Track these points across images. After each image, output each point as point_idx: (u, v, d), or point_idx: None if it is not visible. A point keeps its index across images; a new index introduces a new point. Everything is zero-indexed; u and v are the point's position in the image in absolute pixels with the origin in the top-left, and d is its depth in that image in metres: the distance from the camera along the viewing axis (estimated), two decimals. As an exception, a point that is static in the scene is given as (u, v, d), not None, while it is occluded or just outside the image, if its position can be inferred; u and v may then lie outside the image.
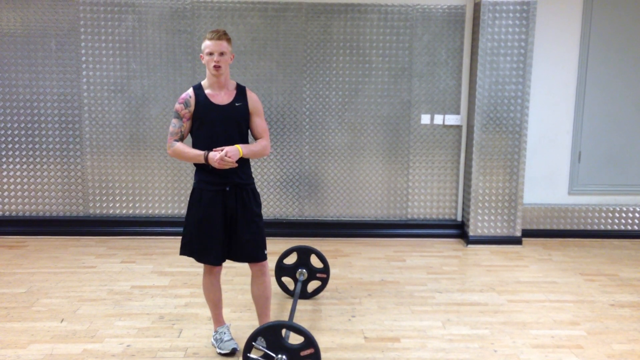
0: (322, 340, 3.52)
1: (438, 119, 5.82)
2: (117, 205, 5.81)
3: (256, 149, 3.30)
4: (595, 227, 6.00)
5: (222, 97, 3.25)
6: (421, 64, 5.74)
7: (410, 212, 5.95)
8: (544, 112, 5.86)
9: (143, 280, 4.57)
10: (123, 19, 5.56)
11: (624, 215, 5.99)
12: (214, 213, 3.23)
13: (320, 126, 5.79)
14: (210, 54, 3.14)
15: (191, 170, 5.76)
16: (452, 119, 5.82)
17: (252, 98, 3.34)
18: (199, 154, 3.17)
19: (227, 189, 3.24)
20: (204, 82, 3.29)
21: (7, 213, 5.78)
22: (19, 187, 5.74)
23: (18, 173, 5.72)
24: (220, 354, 3.36)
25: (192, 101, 3.22)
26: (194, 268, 4.85)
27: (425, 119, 5.82)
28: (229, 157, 3.11)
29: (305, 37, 5.66)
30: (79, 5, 5.51)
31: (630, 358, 3.41)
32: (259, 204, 3.37)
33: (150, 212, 5.85)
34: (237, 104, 3.26)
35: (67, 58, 5.59)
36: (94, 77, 5.62)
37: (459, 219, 5.99)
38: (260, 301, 3.44)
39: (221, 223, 3.25)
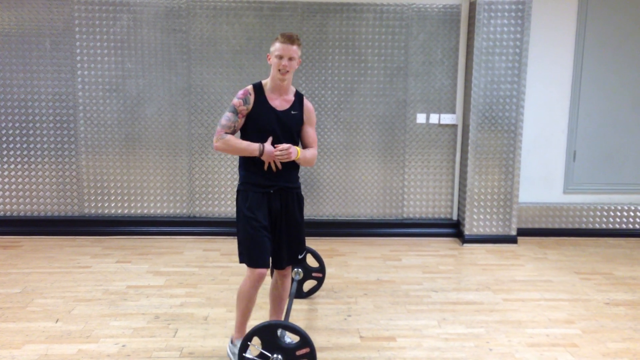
0: (317, 340, 3.52)
1: (434, 118, 5.83)
2: (113, 205, 5.80)
3: (309, 157, 3.25)
4: (590, 226, 6.02)
5: (280, 102, 3.18)
6: (417, 63, 5.74)
7: (406, 212, 5.96)
8: (539, 111, 5.87)
9: (138, 280, 4.56)
10: (118, 18, 5.54)
11: (618, 214, 6.00)
12: (260, 214, 3.15)
13: (316, 125, 5.78)
14: (280, 57, 3.06)
15: (187, 170, 5.76)
16: (447, 118, 5.82)
17: (308, 107, 3.29)
18: (253, 146, 3.09)
19: (271, 191, 3.18)
20: (264, 82, 3.20)
21: (1, 213, 5.75)
22: (13, 187, 5.72)
23: (12, 173, 5.70)
24: None
25: (252, 99, 3.13)
26: (190, 268, 4.85)
27: (420, 118, 5.82)
28: (287, 154, 3.07)
29: (300, 36, 5.65)
30: (74, 4, 5.49)
31: (625, 356, 3.42)
32: (302, 209, 3.33)
33: (145, 211, 5.84)
34: (293, 112, 3.20)
35: (62, 57, 5.57)
36: (88, 76, 5.61)
37: (455, 218, 5.99)
38: (277, 301, 3.43)
39: (267, 224, 3.17)
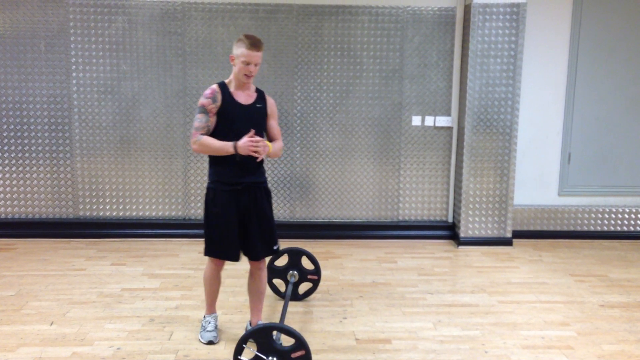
0: (313, 342, 3.52)
1: (429, 121, 5.84)
2: (108, 207, 5.79)
3: (277, 149, 3.41)
4: (585, 228, 6.03)
5: (245, 97, 3.34)
6: (412, 66, 5.75)
7: (401, 214, 5.96)
8: (534, 113, 5.89)
9: (133, 282, 4.55)
10: (113, 20, 5.53)
11: (613, 216, 6.02)
12: (229, 211, 3.33)
13: (311, 127, 5.79)
14: (247, 63, 3.21)
15: (182, 172, 5.75)
16: (442, 121, 5.83)
17: (270, 102, 3.47)
18: (227, 144, 3.20)
19: (239, 188, 3.32)
20: (227, 82, 3.35)
21: (-4, 215, 5.74)
22: (7, 189, 5.70)
23: (7, 175, 5.68)
24: (200, 341, 3.54)
25: (219, 97, 3.27)
26: (185, 270, 4.84)
27: (416, 120, 5.83)
28: (260, 147, 3.17)
29: (296, 38, 5.66)
30: (69, 6, 5.49)
31: (620, 358, 3.43)
32: (270, 202, 3.50)
33: (140, 214, 5.82)
34: (258, 105, 3.37)
35: (57, 59, 5.56)
36: (83, 78, 5.59)
37: (450, 220, 6.00)
38: (256, 296, 3.58)
39: (236, 220, 3.35)
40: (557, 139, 5.95)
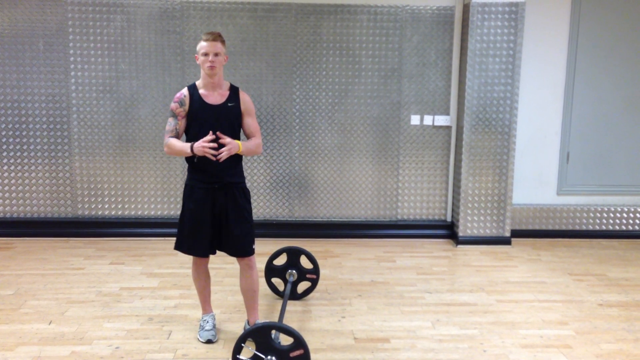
0: (311, 341, 3.52)
1: (428, 120, 5.84)
2: (106, 206, 5.78)
3: (251, 146, 3.42)
4: (584, 228, 6.04)
5: (215, 97, 3.36)
6: (411, 65, 5.75)
7: (400, 213, 5.96)
8: (532, 112, 5.89)
9: (132, 281, 4.55)
10: (112, 19, 5.53)
11: (612, 215, 6.03)
12: (204, 208, 3.37)
13: (310, 127, 5.79)
14: (205, 54, 3.26)
15: (181, 172, 5.75)
16: (441, 120, 5.84)
17: (245, 99, 3.46)
18: (185, 145, 3.27)
19: (216, 186, 3.36)
20: (198, 83, 3.40)
21: (-6, 214, 5.74)
22: (6, 188, 5.69)
23: (6, 174, 5.67)
24: (199, 340, 3.54)
25: (187, 100, 3.34)
26: (184, 269, 4.84)
27: (414, 119, 5.83)
28: (226, 147, 3.21)
29: (295, 37, 5.66)
30: (67, 5, 5.48)
31: (618, 357, 3.43)
32: (248, 201, 3.51)
33: (139, 213, 5.82)
34: (229, 104, 3.38)
35: (55, 58, 5.55)
36: (82, 77, 5.59)
37: (449, 219, 6.00)
38: (248, 294, 3.57)
39: (209, 218, 3.38)
40: (556, 138, 5.95)
